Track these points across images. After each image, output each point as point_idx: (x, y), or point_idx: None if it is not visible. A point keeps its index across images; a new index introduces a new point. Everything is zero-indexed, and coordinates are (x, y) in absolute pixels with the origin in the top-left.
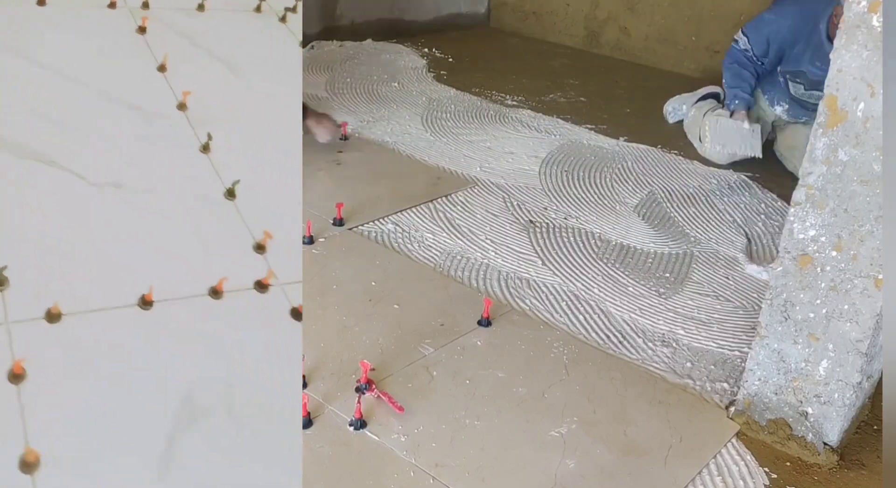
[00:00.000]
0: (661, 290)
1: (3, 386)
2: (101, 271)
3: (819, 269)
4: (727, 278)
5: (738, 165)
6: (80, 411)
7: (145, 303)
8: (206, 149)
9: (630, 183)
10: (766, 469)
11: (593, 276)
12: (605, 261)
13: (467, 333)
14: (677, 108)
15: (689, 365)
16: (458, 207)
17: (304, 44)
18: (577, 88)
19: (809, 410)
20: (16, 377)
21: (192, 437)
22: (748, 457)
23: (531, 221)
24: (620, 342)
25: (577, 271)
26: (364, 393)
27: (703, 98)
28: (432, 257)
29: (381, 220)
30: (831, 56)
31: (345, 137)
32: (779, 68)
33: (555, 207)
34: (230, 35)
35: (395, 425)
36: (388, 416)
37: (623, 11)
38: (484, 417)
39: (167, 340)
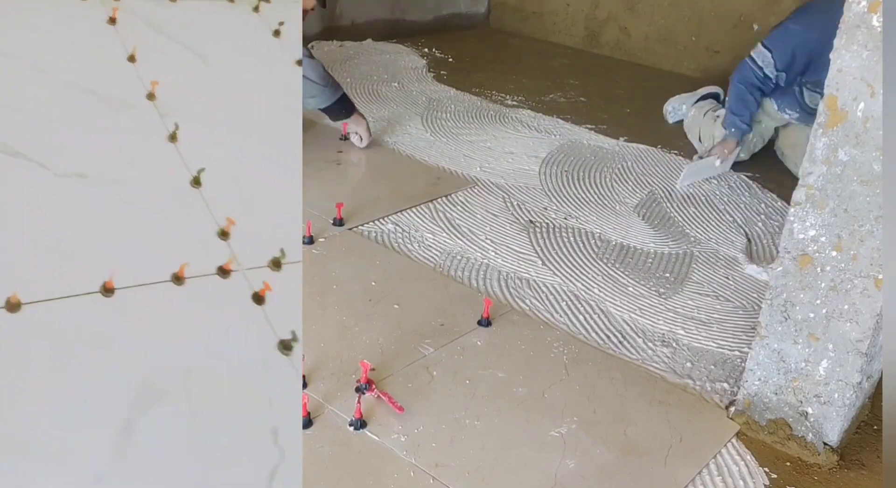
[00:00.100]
0: (661, 290)
1: None
2: (64, 260)
3: (819, 269)
4: (727, 278)
5: (739, 165)
6: (37, 397)
7: (107, 290)
8: (173, 138)
9: (630, 183)
10: (766, 469)
11: (593, 276)
12: (605, 261)
13: (467, 333)
14: (677, 107)
15: (689, 365)
16: (458, 207)
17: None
18: (577, 88)
19: (809, 410)
20: None
21: (150, 421)
22: (748, 457)
23: (531, 221)
24: (620, 342)
25: (577, 271)
26: (364, 393)
27: (703, 98)
28: (432, 257)
29: (381, 220)
30: (831, 56)
31: (344, 137)
32: (799, 78)
33: (555, 207)
34: (202, 25)
35: (395, 425)
36: (388, 416)
37: (623, 11)
38: (484, 417)
39: (127, 326)
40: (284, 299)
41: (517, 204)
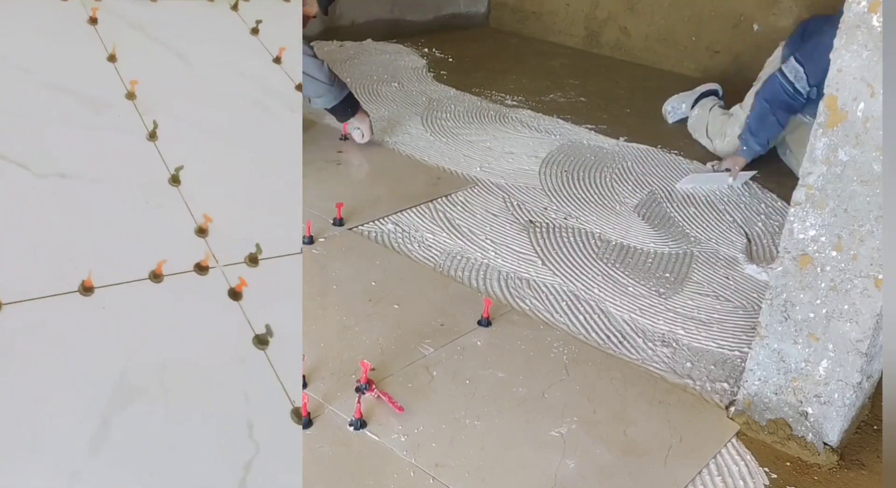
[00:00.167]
0: (661, 290)
1: None
2: (43, 260)
3: (819, 269)
4: (727, 278)
5: None
6: (14, 395)
7: (86, 289)
8: (152, 136)
9: (630, 183)
10: (766, 469)
11: (593, 276)
12: (605, 261)
13: (467, 333)
14: (676, 107)
15: (689, 365)
16: (458, 207)
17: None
18: (577, 88)
19: (809, 410)
20: None
21: (127, 417)
22: (748, 457)
23: (531, 221)
24: (620, 342)
25: (577, 271)
26: (364, 393)
27: (703, 95)
28: (432, 257)
29: (381, 220)
30: (831, 56)
31: (344, 137)
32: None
33: (555, 207)
34: (182, 24)
35: (395, 425)
36: (388, 416)
37: (623, 11)
38: (484, 417)
39: (105, 324)
40: (263, 294)
41: (517, 204)
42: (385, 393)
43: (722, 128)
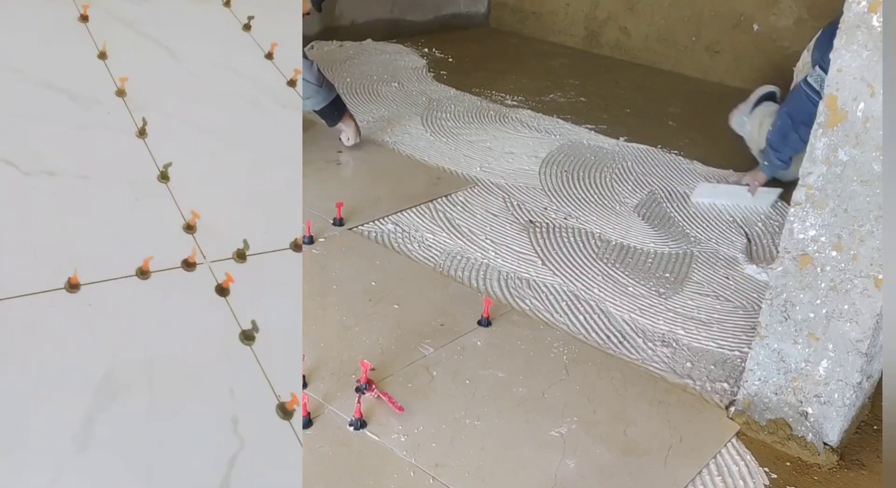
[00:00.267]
0: (661, 290)
1: None
2: (29, 258)
3: (819, 269)
4: (727, 278)
5: (738, 165)
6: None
7: (72, 286)
8: (142, 133)
9: (630, 183)
10: (766, 469)
11: (593, 276)
12: (605, 261)
13: (467, 333)
14: (741, 124)
15: (689, 365)
16: (458, 207)
17: (304, 44)
18: (577, 88)
19: (809, 410)
20: None
21: (112, 413)
22: (748, 457)
23: (531, 221)
24: (620, 342)
25: (577, 271)
26: (364, 393)
27: (759, 102)
28: (432, 257)
29: (381, 220)
30: (831, 56)
31: None
32: None
33: (555, 207)
34: (172, 21)
35: (395, 425)
36: (388, 416)
37: (623, 11)
38: (484, 417)
39: (92, 321)
40: (251, 290)
41: (517, 204)
42: (385, 393)
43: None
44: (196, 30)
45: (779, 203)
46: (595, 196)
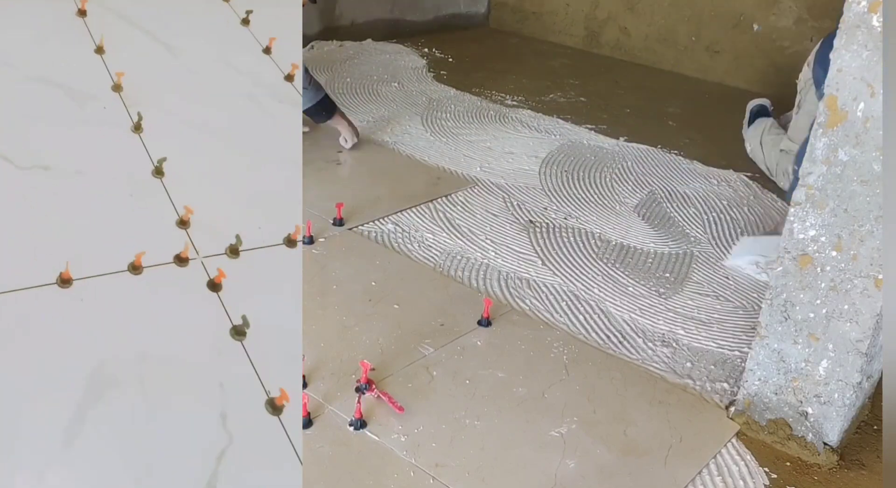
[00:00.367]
0: (661, 290)
1: None
2: (22, 252)
3: (819, 269)
4: (727, 278)
5: (739, 165)
6: None
7: (64, 281)
8: (137, 128)
9: (630, 183)
10: (766, 469)
11: (593, 276)
12: (605, 261)
13: (467, 333)
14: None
15: (689, 365)
16: (458, 207)
17: (304, 44)
18: (577, 88)
19: (809, 410)
20: None
21: (102, 409)
22: (748, 457)
23: (531, 221)
24: (620, 342)
25: (577, 271)
26: (364, 393)
27: (753, 117)
28: (432, 257)
29: (381, 220)
30: (831, 56)
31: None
32: None
33: (555, 207)
34: (170, 15)
35: (395, 425)
36: (388, 416)
37: (623, 11)
38: (484, 417)
39: (83, 316)
40: (243, 286)
41: (517, 204)
42: (385, 393)
43: (780, 165)
44: (194, 25)
45: (753, 184)
46: (595, 196)
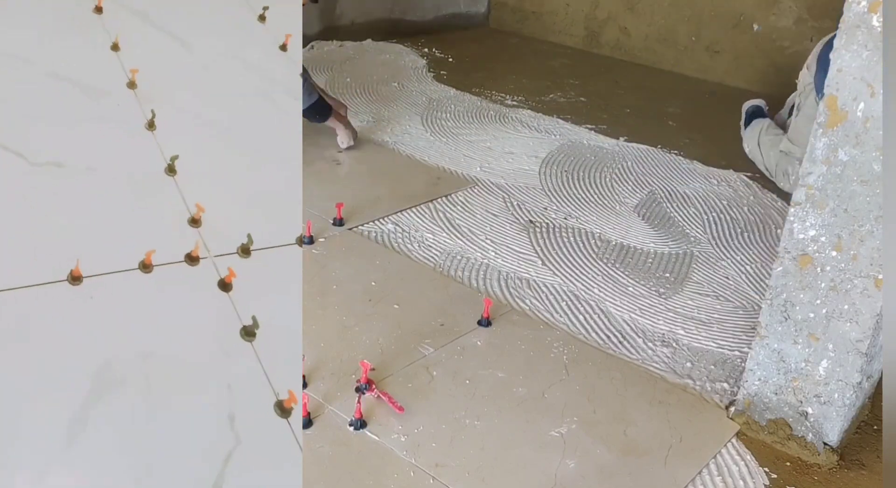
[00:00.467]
0: (661, 290)
1: None
2: (33, 249)
3: (819, 269)
4: (727, 278)
5: (739, 165)
6: None
7: (74, 278)
8: (151, 125)
9: (630, 183)
10: (766, 469)
11: (593, 276)
12: (605, 261)
13: (467, 333)
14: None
15: (689, 365)
16: (458, 207)
17: (304, 44)
18: (577, 88)
19: (809, 410)
20: None
21: (107, 408)
22: (748, 457)
23: (531, 221)
24: (620, 342)
25: (577, 271)
26: (364, 393)
27: (749, 118)
28: (432, 257)
29: (381, 220)
30: (831, 56)
31: None
32: None
33: (555, 207)
34: (186, 11)
35: (395, 425)
36: (388, 416)
37: (623, 11)
38: (484, 417)
39: (92, 314)
40: (254, 286)
41: (517, 204)
42: (385, 393)
43: (779, 165)
44: (210, 21)
45: (753, 184)
46: (595, 196)
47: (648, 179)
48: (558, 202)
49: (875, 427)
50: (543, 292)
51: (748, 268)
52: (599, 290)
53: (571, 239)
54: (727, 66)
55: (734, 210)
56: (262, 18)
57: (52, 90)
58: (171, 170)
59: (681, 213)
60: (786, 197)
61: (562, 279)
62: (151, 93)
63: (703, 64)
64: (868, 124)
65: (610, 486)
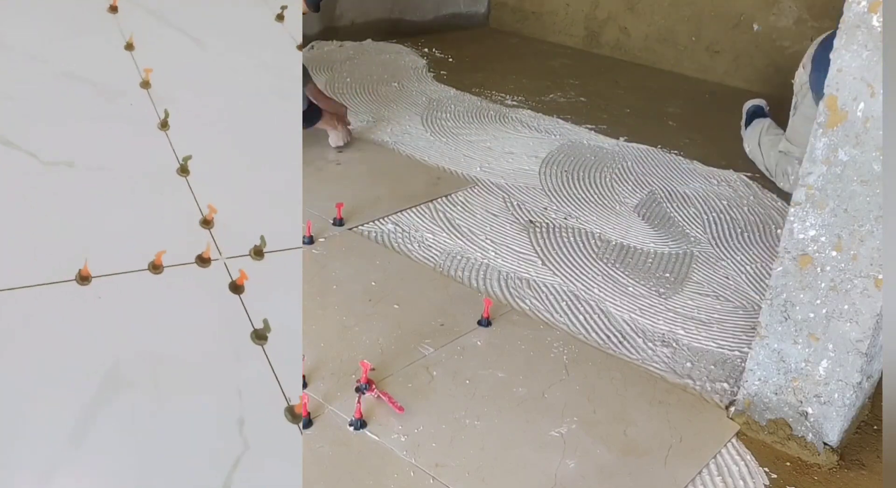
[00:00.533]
0: (661, 290)
1: None
2: (42, 248)
3: (819, 269)
4: (727, 278)
5: (739, 165)
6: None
7: (83, 278)
8: (164, 125)
9: (630, 183)
10: (766, 469)
11: (593, 276)
12: (605, 261)
13: (467, 333)
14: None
15: (689, 365)
16: (458, 207)
17: (304, 44)
18: (577, 88)
19: (809, 410)
20: None
21: (114, 409)
22: (748, 457)
23: (531, 221)
24: (620, 342)
25: (577, 271)
26: (364, 393)
27: (750, 118)
28: (432, 257)
29: (381, 220)
30: (831, 56)
31: None
32: None
33: (555, 207)
34: (201, 10)
35: (395, 425)
36: (388, 416)
37: (623, 11)
38: (484, 417)
39: (99, 314)
40: (265, 288)
41: (517, 204)
42: (385, 393)
43: (779, 166)
44: (226, 21)
45: (753, 184)
46: (595, 196)
47: (648, 179)
48: (558, 202)
49: (875, 427)
50: (543, 292)
51: (748, 268)
52: (599, 290)
53: (571, 239)
54: (727, 66)
55: (734, 210)
56: (279, 18)
57: (65, 89)
58: (183, 170)
59: (681, 213)
60: (786, 197)
61: (562, 279)
62: (165, 92)
63: (703, 64)
64: (868, 124)
65: (610, 486)
